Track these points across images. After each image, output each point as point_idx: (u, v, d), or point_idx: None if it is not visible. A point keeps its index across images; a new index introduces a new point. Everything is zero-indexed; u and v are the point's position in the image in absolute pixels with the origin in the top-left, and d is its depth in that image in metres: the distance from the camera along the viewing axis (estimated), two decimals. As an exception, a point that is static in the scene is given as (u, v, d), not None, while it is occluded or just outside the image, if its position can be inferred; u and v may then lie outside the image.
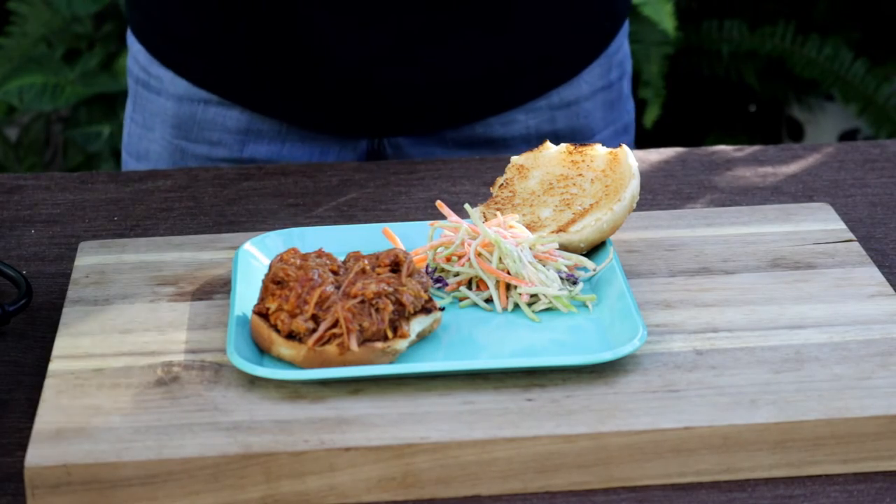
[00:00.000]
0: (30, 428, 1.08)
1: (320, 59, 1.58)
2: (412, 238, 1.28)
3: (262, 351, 1.15)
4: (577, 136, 1.65)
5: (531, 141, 1.63)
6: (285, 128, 1.63)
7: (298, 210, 1.44)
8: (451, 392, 1.10)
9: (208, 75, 1.63)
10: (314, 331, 1.12)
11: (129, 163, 1.71)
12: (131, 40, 1.68)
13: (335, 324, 1.11)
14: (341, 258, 1.19)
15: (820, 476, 1.08)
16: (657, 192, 1.48)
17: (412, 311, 1.14)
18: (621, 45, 1.69)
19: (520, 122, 1.63)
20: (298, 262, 1.16)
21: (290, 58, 1.58)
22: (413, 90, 1.59)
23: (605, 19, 1.65)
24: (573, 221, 1.26)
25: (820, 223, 1.34)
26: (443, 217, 1.27)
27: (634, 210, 1.29)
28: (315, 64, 1.58)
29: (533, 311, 1.20)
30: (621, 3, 1.67)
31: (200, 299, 1.23)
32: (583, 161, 1.32)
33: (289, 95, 1.61)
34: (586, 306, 1.21)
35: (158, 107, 1.66)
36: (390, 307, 1.13)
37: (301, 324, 1.12)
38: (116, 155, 2.89)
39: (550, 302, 1.21)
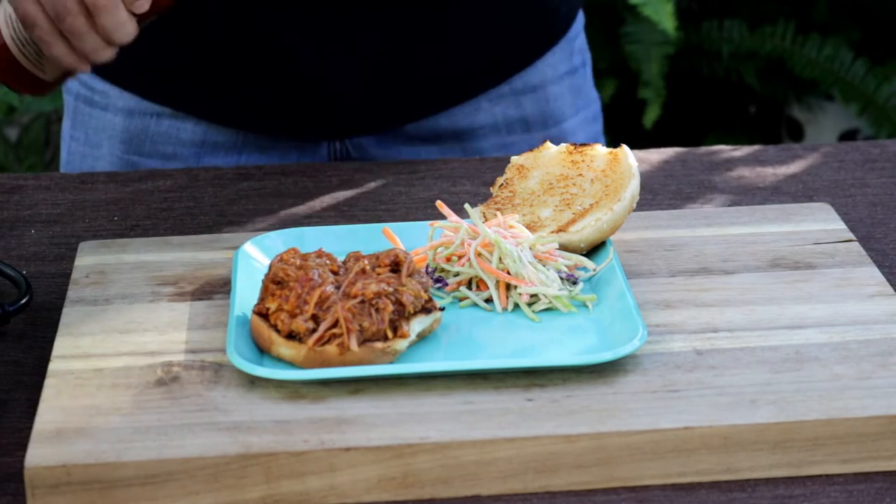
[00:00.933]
0: (30, 428, 1.08)
1: (275, 64, 1.55)
2: (412, 238, 1.28)
3: (262, 351, 1.15)
4: (549, 122, 1.64)
5: (500, 129, 1.62)
6: (241, 137, 1.61)
7: (298, 210, 1.44)
8: (451, 392, 1.10)
9: (159, 89, 1.60)
10: (314, 331, 1.12)
11: None
12: None
13: (335, 324, 1.11)
14: (341, 258, 1.19)
15: (820, 476, 1.08)
16: (657, 192, 1.48)
17: (412, 311, 1.14)
18: (579, 33, 1.69)
19: (484, 111, 1.62)
20: (298, 262, 1.16)
21: (244, 64, 1.56)
22: (370, 87, 1.56)
23: (560, 4, 1.64)
24: (573, 221, 1.26)
25: (820, 223, 1.34)
26: (443, 217, 1.27)
27: (634, 210, 1.29)
28: (270, 69, 1.55)
29: (533, 311, 1.20)
30: None
31: (200, 299, 1.23)
32: (583, 161, 1.32)
33: (244, 104, 1.58)
34: (586, 306, 1.21)
35: (105, 122, 1.63)
36: (390, 307, 1.13)
37: (301, 324, 1.12)
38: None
39: (550, 302, 1.21)
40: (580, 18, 1.69)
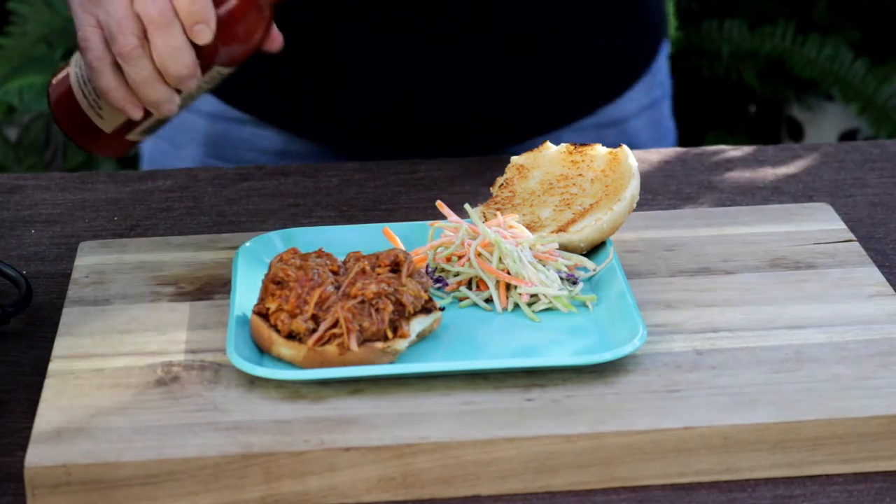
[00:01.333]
0: (30, 428, 1.08)
1: (360, 84, 1.55)
2: (412, 238, 1.28)
3: (262, 351, 1.15)
4: None
5: None
6: (320, 150, 1.61)
7: (298, 210, 1.44)
8: (451, 392, 1.10)
9: (244, 96, 1.60)
10: (314, 331, 1.12)
11: None
12: None
13: (335, 324, 1.11)
14: (341, 258, 1.19)
15: (820, 476, 1.08)
16: (657, 192, 1.48)
17: (412, 312, 1.14)
18: (663, 64, 1.69)
19: (564, 142, 1.60)
20: (298, 262, 1.16)
21: (328, 82, 1.55)
22: (456, 114, 1.56)
23: (648, 36, 1.64)
24: (573, 221, 1.26)
25: (820, 223, 1.34)
26: (443, 217, 1.27)
27: (634, 210, 1.29)
28: (355, 89, 1.55)
29: (533, 311, 1.20)
30: (662, 20, 1.66)
31: (200, 299, 1.23)
32: (583, 161, 1.32)
33: (326, 119, 1.58)
34: (586, 306, 1.21)
35: (188, 124, 1.63)
36: (390, 307, 1.13)
37: (301, 324, 1.12)
38: (116, 155, 2.88)
39: (550, 302, 1.21)
40: (665, 48, 1.69)
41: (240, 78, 1.57)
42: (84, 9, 1.21)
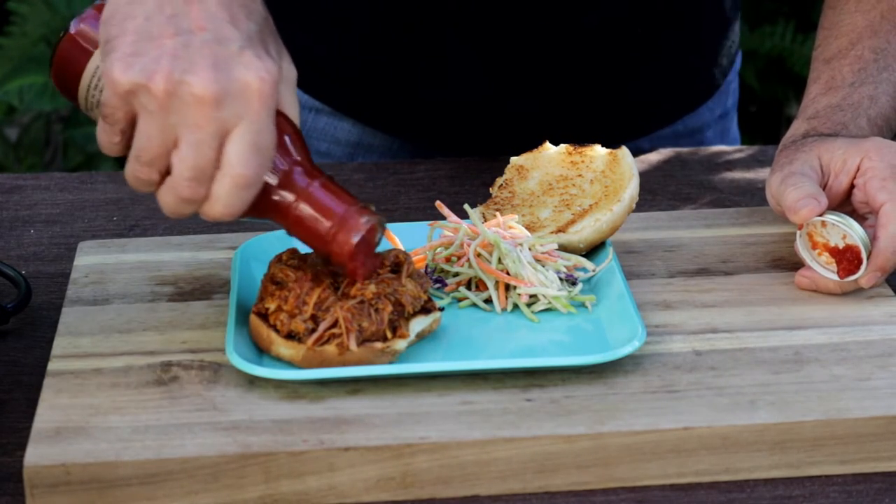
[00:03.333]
0: (29, 427, 1.08)
1: (440, 80, 1.54)
2: (412, 238, 1.28)
3: (262, 351, 1.15)
4: None
5: None
6: (398, 144, 1.60)
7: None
8: (450, 392, 1.10)
9: (322, 86, 1.59)
10: (313, 331, 1.12)
11: None
12: None
13: (335, 324, 1.11)
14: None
15: (819, 476, 1.08)
16: (656, 193, 1.48)
17: (412, 312, 1.14)
18: (736, 74, 1.70)
19: (642, 151, 1.59)
20: (297, 262, 1.16)
21: (408, 75, 1.55)
22: (538, 117, 1.56)
23: (729, 50, 1.64)
24: (572, 222, 1.26)
25: (819, 224, 1.34)
26: (442, 217, 1.27)
27: (634, 211, 1.29)
28: (435, 85, 1.55)
29: (532, 312, 1.20)
30: (738, 33, 1.67)
31: (200, 299, 1.23)
32: (582, 162, 1.32)
33: (404, 113, 1.57)
34: (585, 307, 1.21)
35: None
36: (390, 307, 1.13)
37: (300, 324, 1.12)
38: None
39: (549, 302, 1.21)
40: (738, 59, 1.69)
41: (320, 68, 1.56)
42: (126, 73, 1.04)
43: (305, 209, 1.09)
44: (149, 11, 1.04)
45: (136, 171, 1.06)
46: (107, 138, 1.07)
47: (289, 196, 1.09)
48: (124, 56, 1.03)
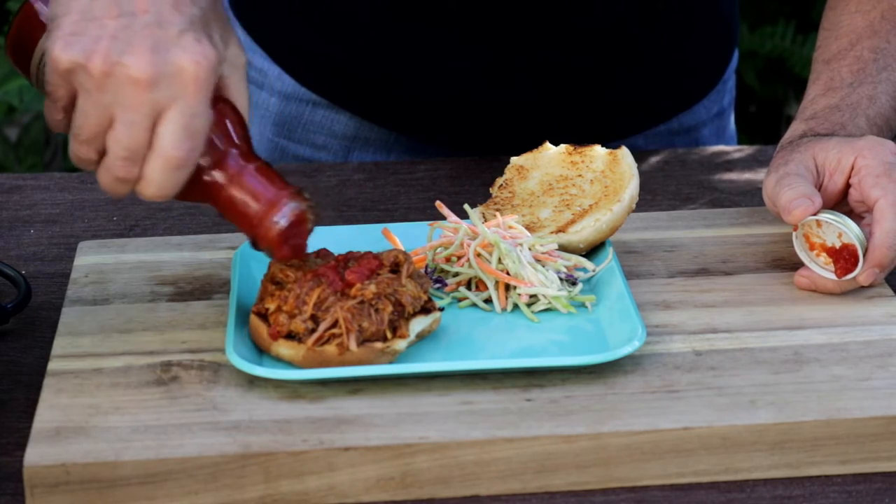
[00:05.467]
0: (29, 427, 1.08)
1: (436, 75, 1.54)
2: (412, 238, 1.28)
3: (262, 351, 1.15)
4: None
5: None
6: (394, 137, 1.61)
7: (298, 210, 1.44)
8: (450, 392, 1.10)
9: (319, 79, 1.59)
10: (313, 331, 1.12)
11: None
12: (234, 27, 1.57)
13: (335, 324, 1.11)
14: (341, 258, 1.19)
15: (819, 477, 1.08)
16: (656, 193, 1.48)
17: (411, 312, 1.14)
18: (732, 73, 1.70)
19: (638, 148, 1.59)
20: (297, 262, 1.15)
21: (404, 69, 1.55)
22: (534, 114, 1.56)
23: (725, 47, 1.64)
24: (572, 222, 1.26)
25: (819, 224, 1.34)
26: (442, 217, 1.27)
27: (634, 211, 1.29)
28: (431, 79, 1.55)
29: (532, 312, 1.20)
30: (736, 30, 1.67)
31: (199, 299, 1.23)
32: (582, 162, 1.32)
33: (401, 107, 1.58)
34: (585, 307, 1.21)
35: (260, 101, 1.62)
36: (390, 308, 1.13)
37: (300, 324, 1.12)
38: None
39: (549, 302, 1.21)
40: (735, 57, 1.69)
41: (318, 61, 1.56)
42: (66, 51, 1.05)
43: (236, 192, 1.10)
44: None
45: (76, 149, 1.07)
46: (51, 115, 1.09)
47: (220, 178, 1.10)
48: (65, 35, 1.05)
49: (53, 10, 1.07)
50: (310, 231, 1.13)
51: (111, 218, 1.44)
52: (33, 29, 1.13)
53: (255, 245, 1.13)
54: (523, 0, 1.49)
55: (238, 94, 1.11)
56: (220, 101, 1.10)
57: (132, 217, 1.44)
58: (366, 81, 1.57)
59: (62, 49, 1.04)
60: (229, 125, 1.11)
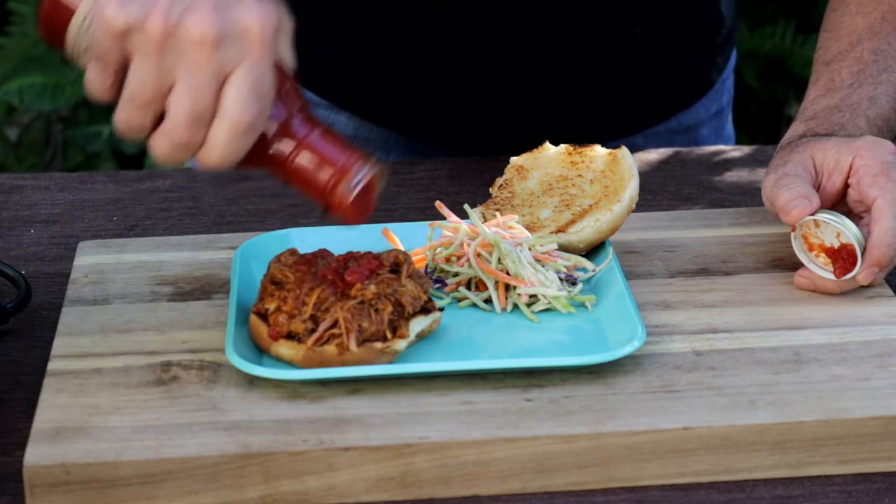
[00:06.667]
0: (29, 427, 1.08)
1: (436, 76, 1.54)
2: (412, 238, 1.28)
3: (262, 351, 1.15)
4: None
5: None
6: (393, 137, 1.60)
7: (298, 210, 1.44)
8: (450, 392, 1.10)
9: (318, 80, 1.58)
10: (313, 331, 1.12)
11: None
12: None
13: (335, 324, 1.11)
14: (341, 259, 1.19)
15: (819, 477, 1.08)
16: (656, 193, 1.48)
17: (411, 312, 1.14)
18: (731, 72, 1.70)
19: (637, 147, 1.59)
20: (297, 262, 1.15)
21: (404, 73, 1.55)
22: (531, 114, 1.56)
23: (724, 46, 1.64)
24: (572, 222, 1.26)
25: (819, 224, 1.34)
26: (442, 217, 1.27)
27: (634, 211, 1.29)
28: (431, 84, 1.55)
29: (532, 312, 1.20)
30: (735, 29, 1.67)
31: (199, 299, 1.23)
32: (582, 162, 1.32)
33: (400, 108, 1.57)
34: (585, 307, 1.21)
35: None
36: (390, 308, 1.13)
37: (300, 324, 1.12)
38: (116, 155, 2.88)
39: (549, 302, 1.21)
40: (734, 57, 1.69)
41: (316, 62, 1.55)
42: (121, 11, 1.00)
43: (304, 159, 1.07)
44: None
45: (129, 115, 1.03)
46: (98, 82, 1.03)
47: (287, 145, 1.07)
48: None
49: None
50: (377, 194, 1.10)
51: (111, 218, 1.44)
52: None
53: (325, 210, 1.09)
54: (523, 0, 1.49)
55: (288, 59, 1.06)
56: (275, 65, 1.05)
57: (132, 217, 1.44)
58: (365, 82, 1.57)
59: (117, 9, 0.99)
60: (289, 88, 1.07)
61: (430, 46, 1.53)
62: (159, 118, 1.03)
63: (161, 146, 1.03)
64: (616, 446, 1.06)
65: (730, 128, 1.73)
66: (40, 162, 3.05)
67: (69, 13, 1.07)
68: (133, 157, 2.86)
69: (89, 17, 1.05)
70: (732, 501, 1.06)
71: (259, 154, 1.06)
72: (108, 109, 2.94)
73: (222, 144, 1.02)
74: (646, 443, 1.06)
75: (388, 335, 1.12)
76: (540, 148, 1.35)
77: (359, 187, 1.08)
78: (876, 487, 1.07)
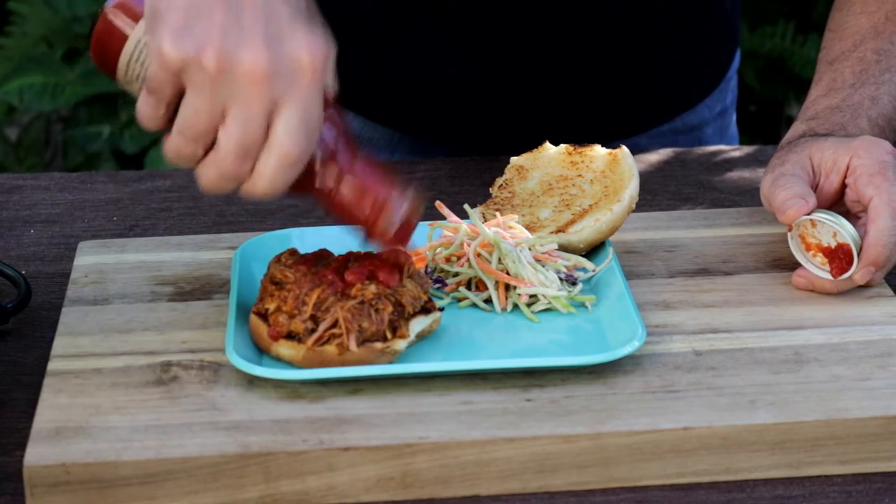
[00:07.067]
0: (29, 427, 1.08)
1: (441, 76, 1.54)
2: (412, 238, 1.28)
3: (262, 351, 1.15)
4: None
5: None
6: (397, 137, 1.60)
7: (298, 210, 1.44)
8: (450, 392, 1.10)
9: None
10: (313, 331, 1.12)
11: None
12: None
13: (335, 324, 1.11)
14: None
15: (819, 477, 1.08)
16: (656, 193, 1.48)
17: (412, 312, 1.14)
18: (735, 72, 1.70)
19: (641, 147, 1.59)
20: (296, 263, 1.15)
21: (407, 72, 1.55)
22: (534, 115, 1.56)
23: (727, 45, 1.64)
24: (572, 222, 1.26)
25: (819, 224, 1.34)
26: (442, 217, 1.27)
27: (634, 211, 1.29)
28: (434, 83, 1.55)
29: (532, 312, 1.20)
30: (738, 29, 1.67)
31: (199, 299, 1.23)
32: (582, 162, 1.32)
33: (404, 107, 1.57)
34: (585, 307, 1.21)
35: None
36: (390, 308, 1.13)
37: (299, 324, 1.12)
38: (116, 155, 2.88)
39: (549, 302, 1.21)
40: (737, 57, 1.69)
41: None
42: (176, 45, 1.01)
43: (347, 190, 1.09)
44: None
45: (180, 145, 1.04)
46: (151, 112, 1.05)
47: (331, 175, 1.08)
48: (174, 29, 1.01)
49: (154, 4, 1.03)
50: (416, 224, 1.12)
51: (111, 218, 1.44)
52: (121, 26, 1.08)
53: (365, 238, 1.12)
54: (525, 1, 1.49)
55: (331, 87, 1.07)
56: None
57: (132, 217, 1.44)
58: (366, 82, 1.57)
59: (172, 43, 1.01)
60: (335, 115, 1.08)
61: (430, 46, 1.53)
62: (209, 148, 1.05)
63: (209, 176, 1.05)
64: (616, 446, 1.06)
65: (734, 128, 1.73)
66: (40, 162, 3.05)
67: (121, 41, 1.08)
68: (133, 157, 2.87)
69: (141, 45, 1.07)
70: (732, 501, 1.06)
71: (304, 184, 1.08)
72: (108, 110, 2.95)
73: (269, 176, 1.04)
74: (646, 443, 1.06)
75: (388, 335, 1.12)
76: (540, 148, 1.35)
77: (398, 220, 1.10)
78: (876, 487, 1.07)
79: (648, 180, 1.50)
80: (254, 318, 1.15)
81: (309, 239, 1.28)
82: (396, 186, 1.10)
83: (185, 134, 1.04)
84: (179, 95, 1.04)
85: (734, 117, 1.73)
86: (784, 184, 1.24)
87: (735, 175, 1.52)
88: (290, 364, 1.13)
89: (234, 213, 1.44)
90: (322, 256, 1.17)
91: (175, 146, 1.05)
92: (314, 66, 1.02)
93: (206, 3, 1.02)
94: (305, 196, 1.09)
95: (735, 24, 1.65)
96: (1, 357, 1.20)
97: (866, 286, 1.24)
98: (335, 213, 1.11)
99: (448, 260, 1.24)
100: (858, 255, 1.21)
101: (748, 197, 1.47)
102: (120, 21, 1.09)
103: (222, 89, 1.02)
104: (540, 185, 1.32)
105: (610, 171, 1.30)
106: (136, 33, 1.08)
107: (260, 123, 1.02)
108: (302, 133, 1.03)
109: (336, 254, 1.19)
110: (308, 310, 1.12)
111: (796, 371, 1.12)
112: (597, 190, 1.29)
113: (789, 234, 1.25)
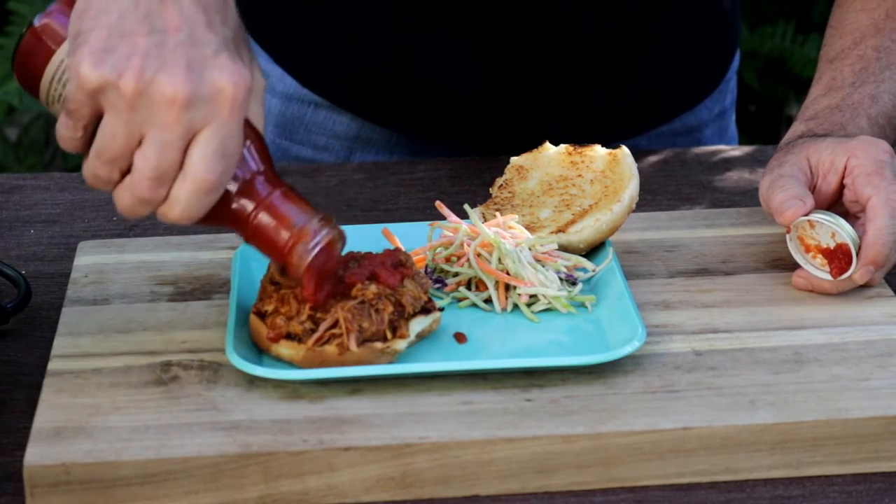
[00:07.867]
0: (29, 427, 1.08)
1: (437, 75, 1.54)
2: (412, 238, 1.28)
3: (262, 350, 1.15)
4: None
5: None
6: (395, 137, 1.60)
7: (298, 210, 1.44)
8: (450, 392, 1.10)
9: (321, 81, 1.58)
10: (313, 331, 1.12)
11: None
12: None
13: (335, 324, 1.11)
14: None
15: (819, 477, 1.08)
16: (656, 193, 1.48)
17: (412, 312, 1.14)
18: (734, 72, 1.70)
19: (640, 149, 1.58)
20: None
21: (406, 72, 1.55)
22: (534, 115, 1.56)
23: (727, 46, 1.64)
24: (572, 222, 1.26)
25: (819, 224, 1.34)
26: (442, 217, 1.27)
27: (634, 211, 1.29)
28: (433, 83, 1.55)
29: (532, 312, 1.20)
30: (738, 30, 1.67)
31: (199, 299, 1.23)
32: (582, 162, 1.32)
33: (402, 108, 1.57)
34: (585, 307, 1.21)
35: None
36: (390, 308, 1.13)
37: (298, 326, 1.12)
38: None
39: (549, 302, 1.21)
40: (737, 57, 1.69)
41: (320, 61, 1.55)
42: (96, 68, 1.01)
43: (264, 219, 1.08)
44: (123, 9, 1.02)
45: (96, 168, 1.04)
46: (68, 133, 1.05)
47: (248, 205, 1.08)
48: (95, 51, 1.02)
49: (78, 26, 1.03)
50: (337, 257, 1.11)
51: (111, 218, 1.44)
52: (44, 46, 1.09)
53: (283, 272, 1.11)
54: (525, 1, 1.49)
55: (258, 118, 1.09)
56: (244, 123, 1.07)
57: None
58: (367, 82, 1.57)
59: (92, 66, 1.01)
60: (254, 148, 1.08)
61: (430, 47, 1.53)
62: (125, 172, 1.05)
63: (124, 200, 1.05)
64: (616, 446, 1.06)
65: (733, 129, 1.73)
66: (40, 162, 3.05)
67: (45, 61, 1.08)
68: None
69: (63, 66, 1.07)
70: (732, 501, 1.06)
71: (221, 212, 1.07)
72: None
73: (183, 202, 1.04)
74: (646, 443, 1.06)
75: (389, 335, 1.12)
76: (540, 148, 1.35)
77: (316, 250, 1.08)
78: (876, 487, 1.07)
79: (648, 180, 1.50)
80: (254, 319, 1.15)
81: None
82: (316, 218, 1.09)
83: (102, 157, 1.04)
84: (98, 118, 1.04)
85: (733, 118, 1.73)
86: (782, 185, 1.24)
87: (735, 175, 1.52)
88: (290, 364, 1.13)
89: (234, 213, 1.44)
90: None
91: (91, 169, 1.05)
92: (235, 96, 1.02)
93: (129, 27, 1.02)
94: (223, 224, 1.09)
95: (735, 25, 1.65)
96: (1, 357, 1.20)
97: (866, 286, 1.24)
98: (251, 243, 1.10)
99: (448, 260, 1.24)
100: (857, 254, 1.21)
101: (748, 197, 1.47)
102: (44, 40, 1.09)
103: (139, 113, 1.02)
104: (540, 185, 1.32)
105: (610, 171, 1.30)
106: (59, 54, 1.08)
107: (176, 149, 1.02)
108: (218, 161, 1.03)
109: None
110: (306, 310, 1.12)
111: (796, 371, 1.12)
112: (597, 190, 1.29)
113: (788, 235, 1.25)
